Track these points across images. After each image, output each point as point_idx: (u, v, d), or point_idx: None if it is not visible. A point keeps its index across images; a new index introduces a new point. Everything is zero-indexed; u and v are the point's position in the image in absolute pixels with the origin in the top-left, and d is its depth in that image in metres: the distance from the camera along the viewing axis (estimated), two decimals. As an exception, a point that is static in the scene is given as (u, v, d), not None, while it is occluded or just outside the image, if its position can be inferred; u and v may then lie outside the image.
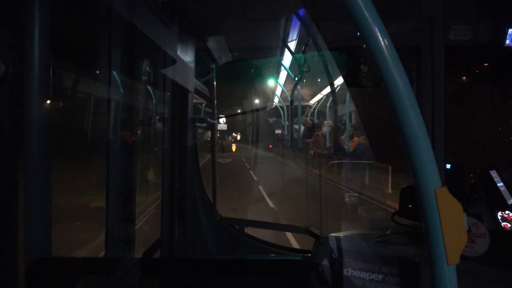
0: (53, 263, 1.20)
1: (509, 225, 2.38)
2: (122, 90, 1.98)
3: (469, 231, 1.62)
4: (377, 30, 0.60)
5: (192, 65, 2.56)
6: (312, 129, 12.20)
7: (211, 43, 2.80)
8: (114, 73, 1.87)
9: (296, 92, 11.99)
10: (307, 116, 16.93)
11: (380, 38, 0.60)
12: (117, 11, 1.53)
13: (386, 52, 0.60)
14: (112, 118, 1.81)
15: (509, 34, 2.10)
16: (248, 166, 19.83)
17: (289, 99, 13.05)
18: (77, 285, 1.16)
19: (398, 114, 0.60)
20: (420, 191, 0.60)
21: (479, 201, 2.52)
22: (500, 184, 2.43)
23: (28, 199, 1.13)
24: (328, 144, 11.09)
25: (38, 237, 1.16)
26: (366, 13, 0.59)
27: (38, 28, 1.13)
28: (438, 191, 0.59)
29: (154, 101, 3.08)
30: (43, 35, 1.15)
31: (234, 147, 32.44)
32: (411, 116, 0.60)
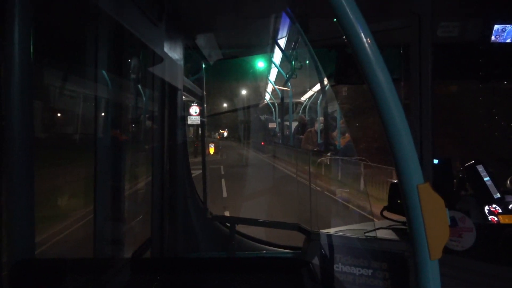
0: (38, 264, 1.19)
1: (495, 219, 2.42)
2: (111, 88, 1.96)
3: (456, 225, 1.65)
4: (360, 29, 0.60)
5: (181, 63, 2.54)
6: (304, 125, 12.24)
7: (200, 41, 2.79)
8: (104, 72, 1.85)
9: (287, 89, 12.02)
10: (298, 113, 16.96)
11: (363, 37, 0.60)
12: (103, 9, 1.51)
13: (369, 50, 0.60)
14: (100, 116, 1.79)
15: (495, 30, 2.13)
16: (224, 186, 11.07)
17: (280, 95, 13.08)
18: (64, 285, 1.15)
19: (381, 111, 0.60)
20: (403, 187, 0.61)
21: (467, 195, 2.56)
22: (486, 179, 2.47)
23: (11, 200, 1.12)
24: (319, 140, 11.14)
25: (22, 238, 1.15)
26: (349, 12, 0.60)
27: (18, 26, 1.11)
28: (421, 187, 0.60)
29: (143, 99, 3.06)
30: (24, 34, 1.13)
31: (212, 149, 20.30)
32: (394, 114, 0.60)
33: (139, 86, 2.71)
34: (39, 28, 1.26)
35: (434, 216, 0.60)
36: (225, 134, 44.50)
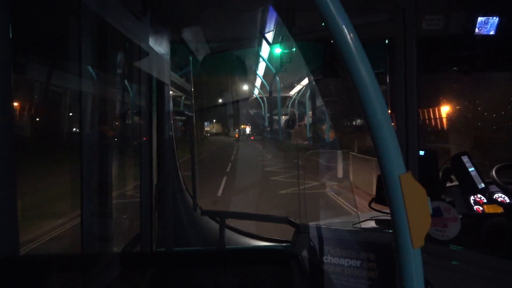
0: (23, 261, 1.18)
1: (481, 209, 2.47)
2: (96, 84, 1.93)
3: (441, 215, 1.68)
4: (342, 23, 0.61)
5: (168, 57, 2.52)
6: (294, 119, 12.31)
7: (187, 35, 2.76)
8: (89, 67, 1.82)
9: (275, 83, 12.04)
10: (287, 107, 16.99)
11: (345, 31, 0.61)
12: (85, 3, 1.49)
13: (350, 44, 0.61)
14: (85, 112, 1.77)
15: (479, 23, 2.16)
16: None
17: (268, 90, 13.06)
18: (50, 281, 1.14)
19: (363, 103, 0.61)
20: (385, 177, 0.62)
21: (453, 186, 2.61)
22: (471, 169, 2.52)
23: None
24: (309, 134, 11.22)
25: (5, 235, 1.13)
26: (331, 6, 0.60)
27: None
28: (403, 177, 0.61)
29: (130, 95, 3.02)
30: (3, 29, 1.10)
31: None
32: (375, 105, 0.61)
33: (126, 81, 2.67)
34: (19, 23, 1.23)
35: (416, 205, 0.61)
36: (248, 130, 29.07)
